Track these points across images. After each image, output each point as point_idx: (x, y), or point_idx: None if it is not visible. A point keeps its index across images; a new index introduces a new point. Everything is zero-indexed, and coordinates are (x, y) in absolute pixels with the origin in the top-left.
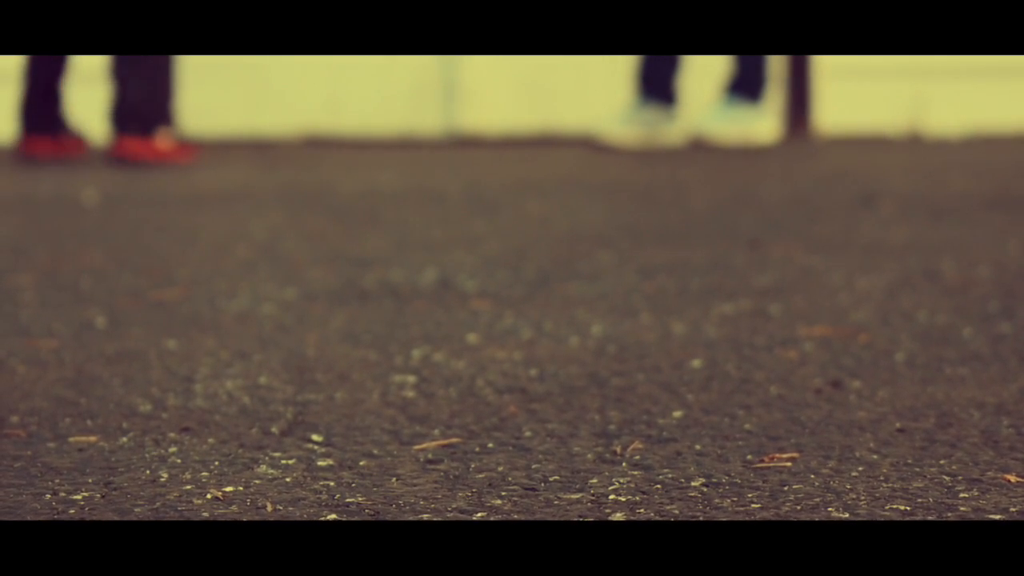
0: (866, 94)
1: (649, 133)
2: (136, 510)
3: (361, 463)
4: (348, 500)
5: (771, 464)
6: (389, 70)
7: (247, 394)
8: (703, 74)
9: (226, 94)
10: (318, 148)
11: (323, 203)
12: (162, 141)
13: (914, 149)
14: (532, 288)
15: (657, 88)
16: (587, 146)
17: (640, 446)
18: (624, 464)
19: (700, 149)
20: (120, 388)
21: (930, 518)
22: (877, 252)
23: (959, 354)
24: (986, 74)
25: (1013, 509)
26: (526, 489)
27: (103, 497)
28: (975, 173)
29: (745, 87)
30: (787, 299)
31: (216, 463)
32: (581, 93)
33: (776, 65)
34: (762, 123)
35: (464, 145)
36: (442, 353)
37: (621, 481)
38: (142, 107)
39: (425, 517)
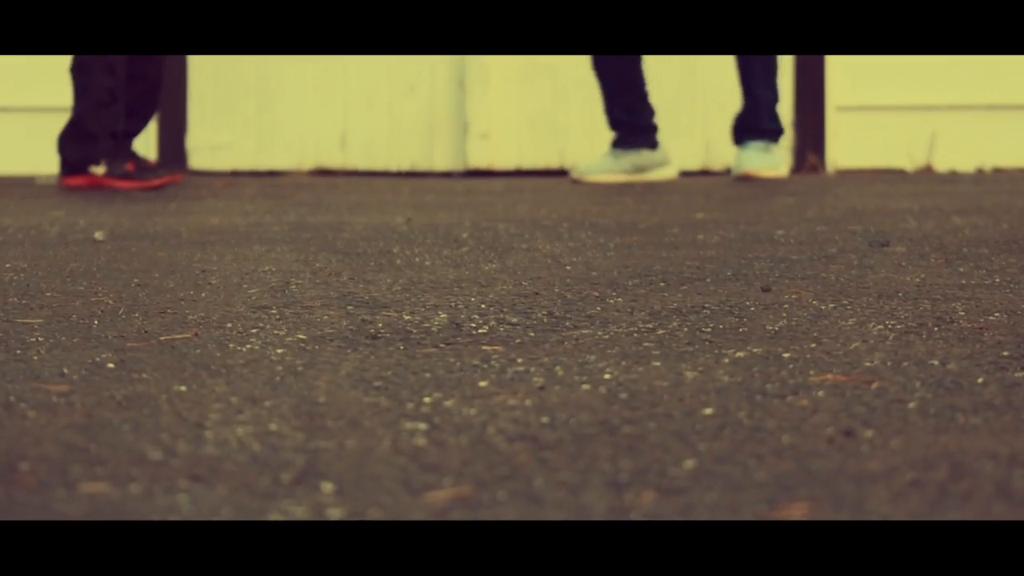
0: (879, 131)
1: (631, 176)
2: None
3: (371, 513)
4: None
5: (783, 516)
6: (400, 107)
7: (257, 441)
8: (714, 114)
9: (237, 130)
10: (329, 185)
11: (334, 242)
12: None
13: (927, 188)
14: (543, 332)
15: (631, 132)
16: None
17: (651, 497)
18: (635, 515)
19: (713, 189)
20: (130, 434)
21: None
22: (890, 296)
23: (972, 402)
24: (1000, 111)
25: None
26: None
27: None
28: (989, 214)
29: (758, 127)
30: (799, 344)
31: (226, 513)
32: (591, 130)
33: (788, 103)
34: (777, 160)
35: (475, 182)
36: (453, 399)
37: None
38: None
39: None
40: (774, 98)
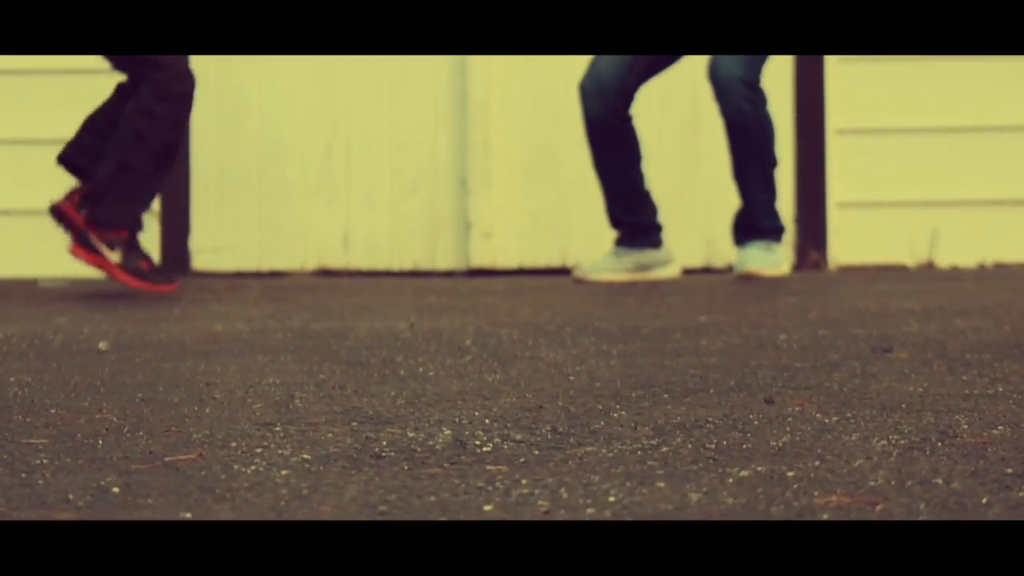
0: (880, 227)
1: (634, 275)
2: None
3: None
4: None
5: None
6: (402, 207)
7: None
8: (716, 212)
9: (240, 231)
10: (332, 287)
11: (337, 351)
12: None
13: (929, 286)
14: (548, 450)
15: (634, 231)
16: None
17: None
18: None
19: (715, 288)
20: None
21: None
22: (893, 408)
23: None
24: (1000, 206)
25: None
26: None
27: None
28: (991, 315)
29: (757, 227)
30: (803, 462)
31: None
32: (593, 229)
33: (789, 200)
34: (778, 259)
35: (478, 282)
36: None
37: None
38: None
39: None
40: (772, 198)
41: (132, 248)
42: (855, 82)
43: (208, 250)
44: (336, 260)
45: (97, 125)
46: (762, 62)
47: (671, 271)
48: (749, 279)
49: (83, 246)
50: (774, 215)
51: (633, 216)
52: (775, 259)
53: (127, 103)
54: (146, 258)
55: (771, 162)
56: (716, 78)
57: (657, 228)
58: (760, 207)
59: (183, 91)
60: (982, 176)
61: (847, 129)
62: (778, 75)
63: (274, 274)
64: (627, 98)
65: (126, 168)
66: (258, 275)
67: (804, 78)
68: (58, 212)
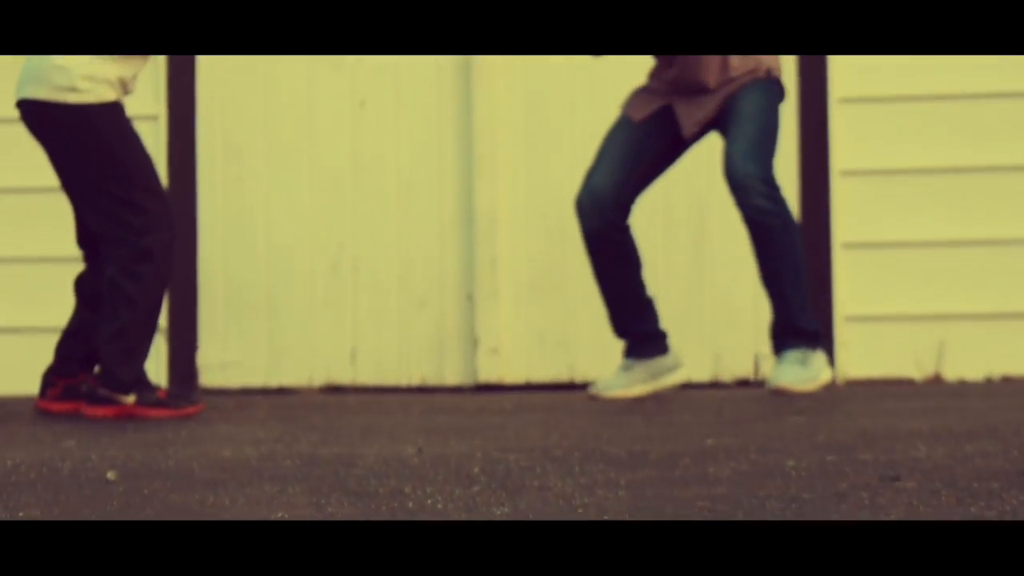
0: (887, 340)
1: (647, 387)
2: None
3: None
4: None
5: None
6: (410, 323)
7: None
8: (723, 326)
9: (247, 348)
10: (339, 405)
11: (345, 480)
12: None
13: (936, 403)
14: None
15: (641, 341)
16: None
17: None
18: None
19: (723, 405)
20: None
21: None
22: None
23: None
24: (1006, 319)
25: None
26: None
27: None
28: (999, 438)
29: (793, 329)
30: None
31: None
32: (600, 344)
33: None
34: (812, 374)
35: (485, 398)
36: None
37: None
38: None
39: None
40: (803, 296)
41: (143, 386)
42: (860, 196)
43: (216, 367)
44: (344, 376)
45: (70, 340)
46: (772, 156)
47: (681, 375)
48: (779, 394)
49: (96, 403)
50: (806, 315)
51: (637, 325)
52: (809, 374)
53: (103, 280)
54: (159, 388)
55: (799, 259)
56: (735, 180)
57: (662, 335)
58: (794, 306)
59: (162, 243)
60: (988, 289)
61: (853, 243)
62: (783, 189)
63: (281, 390)
64: (625, 209)
65: (124, 333)
66: (265, 391)
67: (809, 191)
68: (44, 411)
